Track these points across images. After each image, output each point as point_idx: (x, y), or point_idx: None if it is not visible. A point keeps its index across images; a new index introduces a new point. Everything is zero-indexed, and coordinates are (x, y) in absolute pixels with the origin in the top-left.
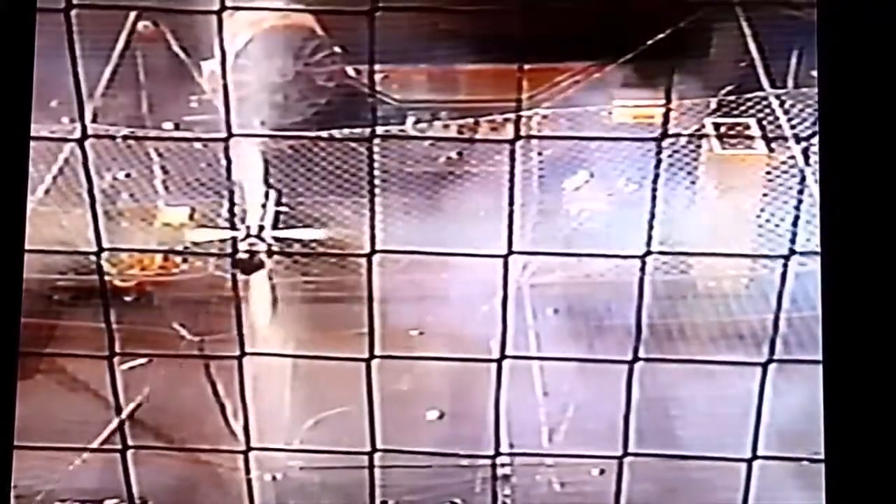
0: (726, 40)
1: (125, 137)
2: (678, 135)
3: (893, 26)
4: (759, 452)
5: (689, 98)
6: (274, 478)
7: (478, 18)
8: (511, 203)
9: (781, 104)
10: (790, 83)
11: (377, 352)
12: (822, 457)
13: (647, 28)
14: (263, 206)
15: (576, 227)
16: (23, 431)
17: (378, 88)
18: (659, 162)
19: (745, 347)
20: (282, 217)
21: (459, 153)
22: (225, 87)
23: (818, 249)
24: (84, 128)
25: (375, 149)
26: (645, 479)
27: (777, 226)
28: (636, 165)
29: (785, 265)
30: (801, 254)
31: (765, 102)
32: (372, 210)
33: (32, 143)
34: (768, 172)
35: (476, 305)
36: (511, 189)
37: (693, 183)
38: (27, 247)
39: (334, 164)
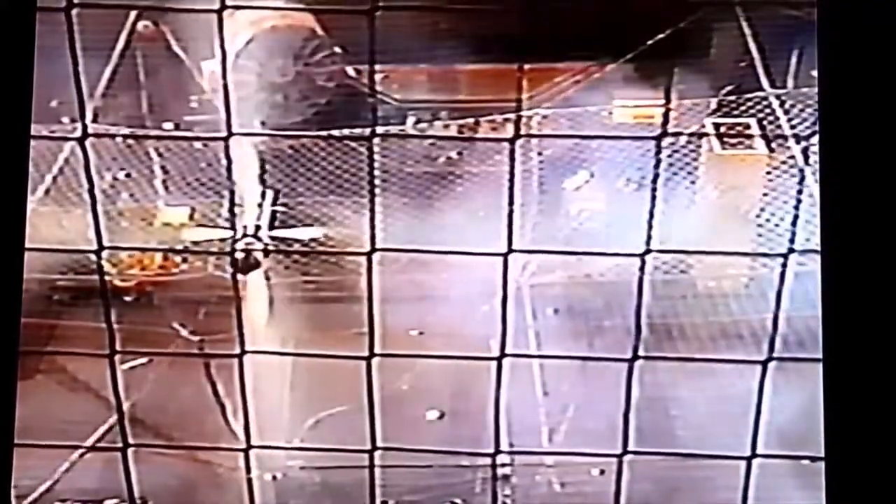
0: (726, 40)
1: (125, 137)
2: (678, 134)
3: (893, 26)
4: (759, 451)
5: (689, 98)
6: (274, 477)
7: (478, 18)
8: (511, 202)
9: (781, 104)
10: (790, 83)
11: (377, 351)
12: (822, 456)
13: (647, 28)
14: (260, 205)
15: (576, 226)
16: (23, 431)
17: (378, 88)
18: (659, 162)
19: (744, 347)
20: (280, 216)
21: (459, 153)
22: (225, 87)
23: (818, 248)
24: (84, 127)
25: (375, 148)
26: (645, 478)
27: (777, 225)
28: (636, 165)
29: (784, 264)
30: (801, 252)
31: (765, 102)
32: (372, 209)
33: (32, 143)
34: (768, 172)
35: (476, 305)
36: (511, 188)
37: (693, 183)
38: (27, 246)
39: (334, 164)
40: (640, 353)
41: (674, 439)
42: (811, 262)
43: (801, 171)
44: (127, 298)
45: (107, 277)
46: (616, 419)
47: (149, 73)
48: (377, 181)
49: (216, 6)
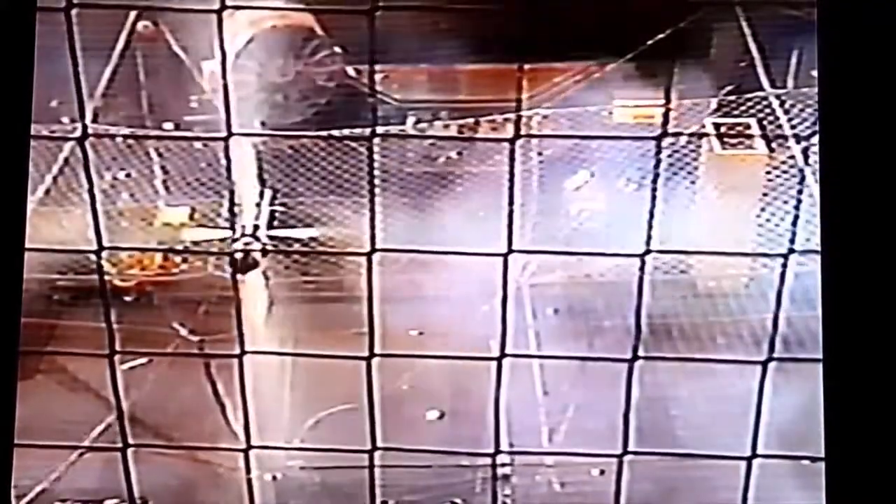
0: (726, 40)
1: (125, 137)
2: (678, 134)
3: (893, 26)
4: (759, 451)
5: (690, 98)
6: (274, 477)
7: (478, 18)
8: (511, 202)
9: (782, 104)
10: (790, 83)
11: (377, 351)
12: (822, 456)
13: (647, 28)
14: (258, 205)
15: (576, 226)
16: (23, 431)
17: (378, 88)
18: (659, 162)
19: (744, 347)
20: (280, 216)
21: (459, 153)
22: (225, 87)
23: (818, 248)
24: (84, 127)
25: (375, 148)
26: (645, 478)
27: (777, 225)
28: (636, 165)
29: (784, 264)
30: (801, 252)
31: (765, 102)
32: (372, 209)
33: (32, 143)
34: (768, 172)
35: (476, 305)
36: (511, 188)
37: (693, 183)
38: (27, 246)
39: (334, 164)
40: (640, 353)
41: (674, 439)
42: (811, 262)
43: (801, 171)
44: (127, 298)
45: (107, 277)
46: (616, 419)
47: (149, 73)
48: (377, 181)
49: (216, 6)
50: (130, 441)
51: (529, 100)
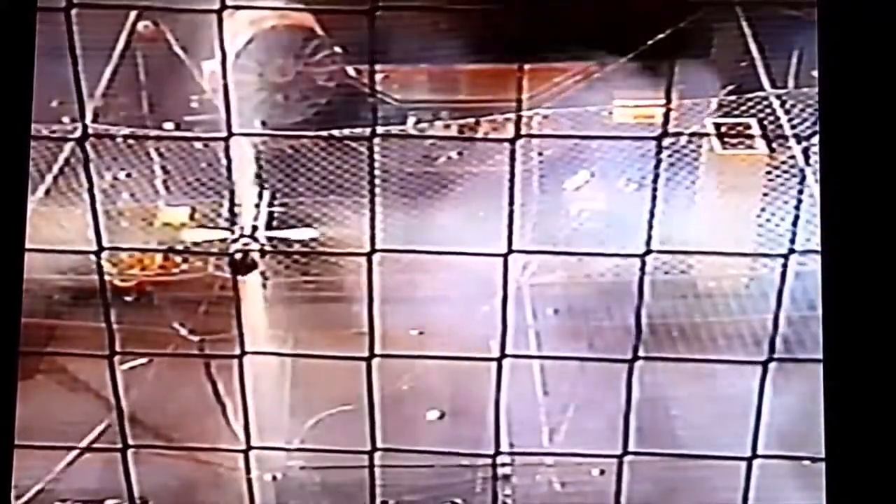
0: (726, 40)
1: (125, 137)
2: (678, 134)
3: (893, 26)
4: (759, 452)
5: (690, 98)
6: (274, 477)
7: (478, 18)
8: (511, 202)
9: (782, 104)
10: (790, 83)
11: (377, 352)
12: (822, 456)
13: (647, 28)
14: (257, 205)
15: (576, 227)
16: (23, 431)
17: (378, 88)
18: (659, 162)
19: (745, 347)
20: (280, 216)
21: (459, 153)
22: (225, 87)
23: (818, 248)
24: (84, 127)
25: (375, 148)
26: (645, 478)
27: (777, 226)
28: (636, 165)
29: (785, 264)
30: (801, 252)
31: (765, 102)
32: (372, 210)
33: (32, 143)
34: (768, 172)
35: (476, 305)
36: (511, 188)
37: (693, 183)
38: (27, 246)
39: (334, 164)
40: (640, 353)
41: (674, 439)
42: (811, 262)
43: (802, 171)
44: (127, 298)
45: (107, 277)
46: (616, 419)
47: (149, 73)
48: (377, 181)
49: (216, 6)
50: (130, 441)
51: (529, 100)
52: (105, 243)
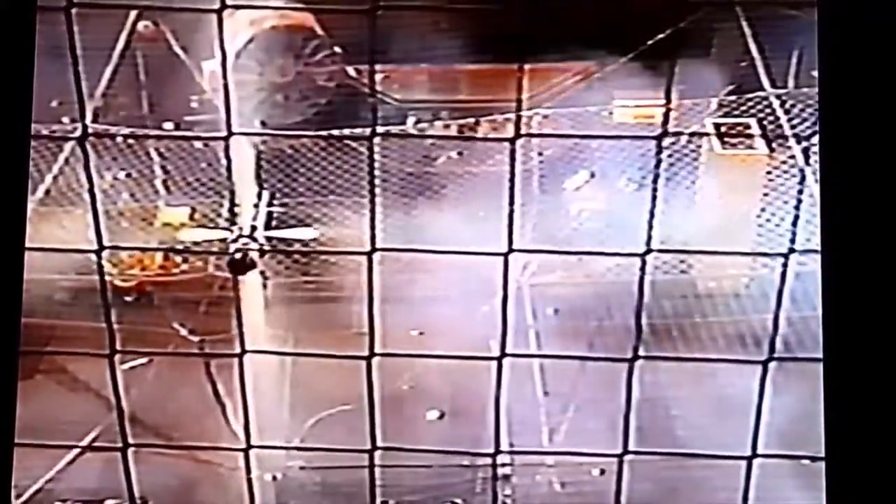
0: (726, 40)
1: (125, 137)
2: (678, 134)
3: (893, 26)
4: (759, 451)
5: (690, 98)
6: (274, 477)
7: (478, 18)
8: (511, 202)
9: (782, 104)
10: (790, 83)
11: (377, 351)
12: (822, 456)
13: (647, 28)
14: (256, 205)
15: (576, 227)
16: (23, 431)
17: (378, 88)
18: (659, 162)
19: (745, 347)
20: (280, 216)
21: (459, 153)
22: (225, 87)
23: (818, 248)
24: (84, 127)
25: (375, 148)
26: (645, 478)
27: (777, 225)
28: (636, 165)
29: (785, 264)
30: (801, 252)
31: (765, 102)
32: (372, 209)
33: (32, 143)
34: (768, 172)
35: (476, 305)
36: (511, 188)
37: (693, 183)
38: (27, 246)
39: (334, 164)
40: (641, 353)
41: (674, 439)
42: (811, 262)
43: (802, 171)
44: (127, 298)
45: (107, 277)
46: (616, 419)
47: (149, 73)
48: (377, 181)
49: (216, 6)
50: (130, 441)
51: (529, 100)
52: (105, 243)
